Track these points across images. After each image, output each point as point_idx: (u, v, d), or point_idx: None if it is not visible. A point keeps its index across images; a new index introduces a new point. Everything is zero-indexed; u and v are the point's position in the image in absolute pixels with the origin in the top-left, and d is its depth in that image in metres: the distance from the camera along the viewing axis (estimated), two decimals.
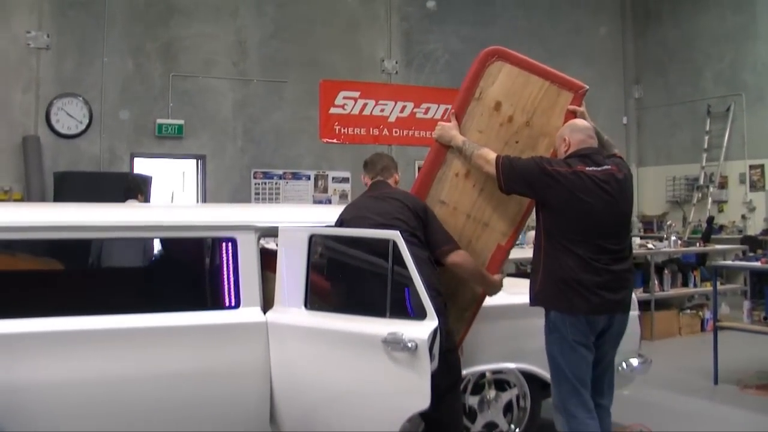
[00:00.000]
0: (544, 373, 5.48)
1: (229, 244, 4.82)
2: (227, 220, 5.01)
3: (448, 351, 4.78)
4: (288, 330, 4.69)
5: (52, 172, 11.57)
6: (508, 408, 5.71)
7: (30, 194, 11.46)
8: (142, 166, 12.69)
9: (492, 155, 4.82)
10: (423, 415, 4.62)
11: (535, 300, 4.84)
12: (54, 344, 4.40)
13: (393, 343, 4.18)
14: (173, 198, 14.76)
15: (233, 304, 4.80)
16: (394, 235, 4.29)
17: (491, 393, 5.58)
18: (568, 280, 4.65)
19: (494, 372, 5.55)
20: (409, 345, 4.12)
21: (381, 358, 4.24)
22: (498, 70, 5.12)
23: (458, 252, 4.84)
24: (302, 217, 5.17)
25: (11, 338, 4.31)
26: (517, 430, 5.73)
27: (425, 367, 4.13)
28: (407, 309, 4.42)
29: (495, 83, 5.12)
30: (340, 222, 4.92)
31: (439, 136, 5.09)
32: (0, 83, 11.66)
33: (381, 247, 4.39)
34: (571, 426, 4.68)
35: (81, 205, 5.17)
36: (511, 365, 5.57)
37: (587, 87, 5.03)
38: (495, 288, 5.06)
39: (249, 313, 4.78)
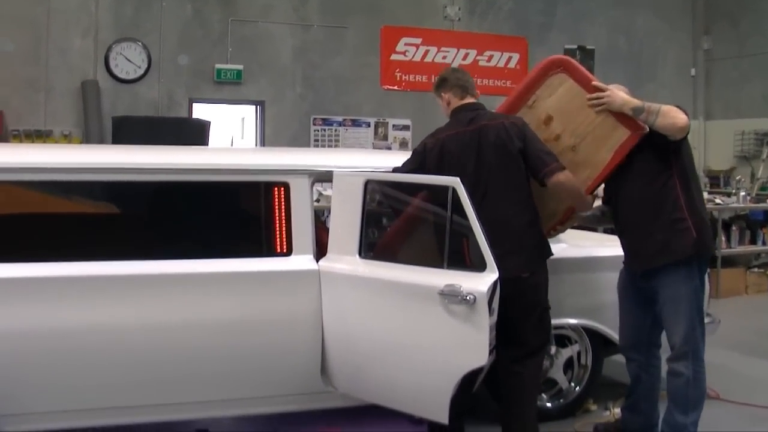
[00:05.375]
0: (607, 329, 5.38)
1: (282, 189, 4.66)
2: (279, 163, 4.85)
3: (544, 310, 4.67)
4: (341, 279, 4.54)
5: (111, 116, 11.50)
6: (568, 365, 5.54)
7: (89, 138, 11.46)
8: (200, 111, 12.60)
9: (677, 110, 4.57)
10: (496, 370, 4.51)
11: (693, 248, 4.63)
12: (102, 288, 4.35)
13: (450, 296, 4.03)
14: (233, 143, 14.73)
15: (284, 251, 4.65)
16: (454, 181, 4.10)
17: (552, 349, 5.39)
18: (707, 223, 4.73)
19: (555, 327, 5.30)
20: (468, 298, 3.96)
21: (437, 310, 4.10)
22: (559, 84, 4.82)
23: (564, 171, 4.52)
24: (358, 162, 4.95)
25: (61, 281, 4.27)
26: (577, 388, 5.55)
27: (483, 321, 3.98)
28: (466, 259, 4.25)
29: (552, 96, 4.84)
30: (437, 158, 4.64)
31: (609, 105, 4.66)
32: (60, 28, 11.60)
33: (440, 195, 4.21)
34: (698, 371, 4.67)
35: (126, 147, 5.07)
36: (573, 321, 5.38)
37: (647, 129, 4.62)
38: (587, 205, 4.84)
39: (301, 260, 4.64)
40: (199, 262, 4.51)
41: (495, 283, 4.00)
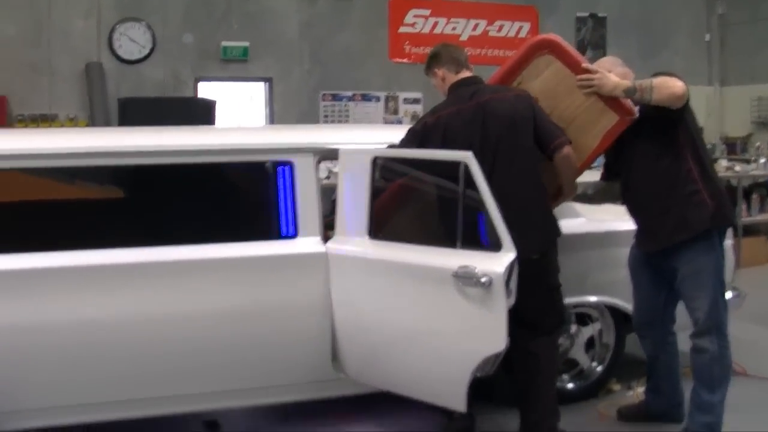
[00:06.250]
0: (629, 306, 5.15)
1: (286, 168, 4.48)
2: (283, 141, 4.66)
3: (555, 289, 4.48)
4: (350, 261, 4.37)
5: (116, 98, 11.41)
6: (589, 344, 5.37)
7: (95, 121, 11.33)
8: (207, 90, 12.45)
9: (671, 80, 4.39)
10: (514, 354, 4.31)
11: (711, 220, 4.50)
12: (101, 278, 4.20)
13: (465, 278, 3.84)
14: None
15: (290, 233, 4.48)
16: (466, 156, 3.89)
17: (572, 328, 5.22)
18: (723, 192, 4.63)
19: (575, 306, 5.16)
20: (483, 280, 3.76)
21: (451, 293, 3.91)
22: (546, 65, 4.60)
23: (570, 145, 4.39)
24: (365, 138, 4.77)
25: (60, 271, 4.13)
26: (599, 368, 5.39)
27: (500, 304, 3.78)
28: (481, 239, 4.05)
29: (538, 78, 4.62)
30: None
31: (599, 88, 4.46)
32: (61, 10, 11.45)
33: (451, 170, 4.00)
34: (723, 346, 4.55)
35: (121, 129, 4.90)
36: (593, 298, 5.20)
37: (637, 114, 4.46)
38: (575, 189, 4.70)
39: (307, 243, 4.47)
40: (201, 247, 4.34)
41: (512, 264, 3.81)
